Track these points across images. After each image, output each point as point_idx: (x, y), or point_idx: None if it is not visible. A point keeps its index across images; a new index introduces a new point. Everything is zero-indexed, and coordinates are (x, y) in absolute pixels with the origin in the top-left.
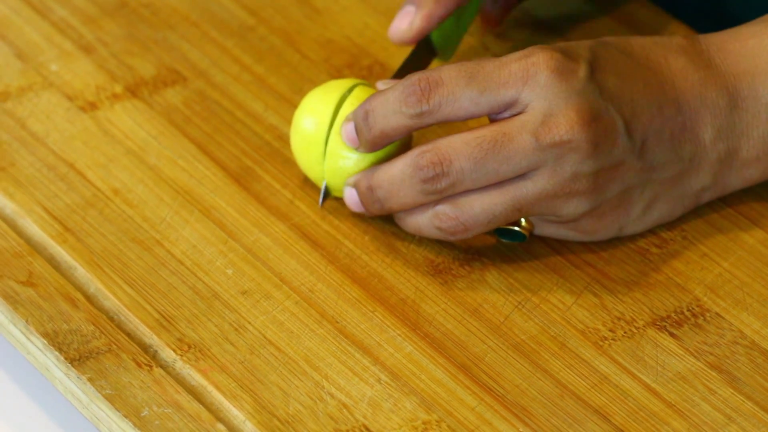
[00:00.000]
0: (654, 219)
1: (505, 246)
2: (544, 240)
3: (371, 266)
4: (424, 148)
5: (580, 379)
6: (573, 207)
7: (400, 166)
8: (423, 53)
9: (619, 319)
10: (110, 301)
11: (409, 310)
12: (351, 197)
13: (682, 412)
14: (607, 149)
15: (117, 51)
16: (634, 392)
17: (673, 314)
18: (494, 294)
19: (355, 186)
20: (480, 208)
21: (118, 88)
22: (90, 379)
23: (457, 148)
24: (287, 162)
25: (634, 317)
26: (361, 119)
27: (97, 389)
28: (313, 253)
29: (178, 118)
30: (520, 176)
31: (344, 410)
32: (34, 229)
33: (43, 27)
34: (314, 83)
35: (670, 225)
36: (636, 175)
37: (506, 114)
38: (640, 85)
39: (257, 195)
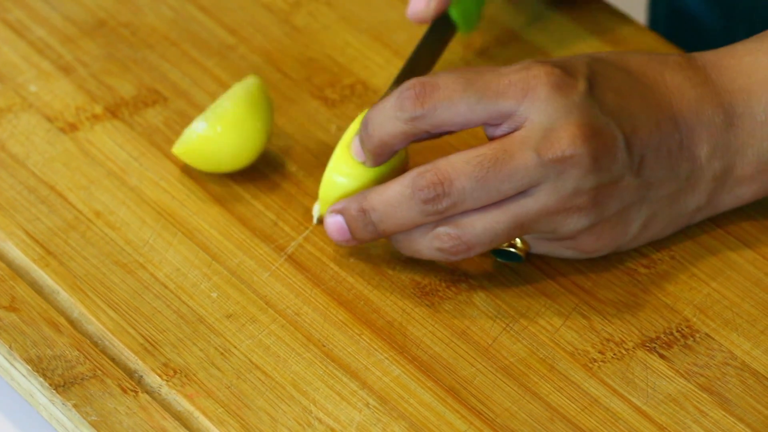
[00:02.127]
0: (648, 237)
1: (493, 267)
2: (532, 261)
3: (357, 289)
4: (422, 168)
5: (570, 402)
6: (573, 224)
7: (398, 187)
8: (440, 31)
9: (608, 340)
10: (94, 325)
11: (396, 333)
12: (335, 224)
13: None
14: (607, 164)
15: (96, 71)
16: (625, 415)
17: (662, 335)
18: (482, 316)
19: (343, 211)
20: (482, 227)
21: (98, 109)
22: (75, 406)
23: (457, 167)
24: (270, 183)
25: (624, 339)
26: (362, 130)
27: (82, 416)
28: (298, 275)
29: (159, 139)
30: (521, 193)
31: None
32: (15, 252)
33: (21, 47)
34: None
35: (658, 245)
36: (634, 193)
37: (504, 127)
38: (638, 101)
39: (240, 217)
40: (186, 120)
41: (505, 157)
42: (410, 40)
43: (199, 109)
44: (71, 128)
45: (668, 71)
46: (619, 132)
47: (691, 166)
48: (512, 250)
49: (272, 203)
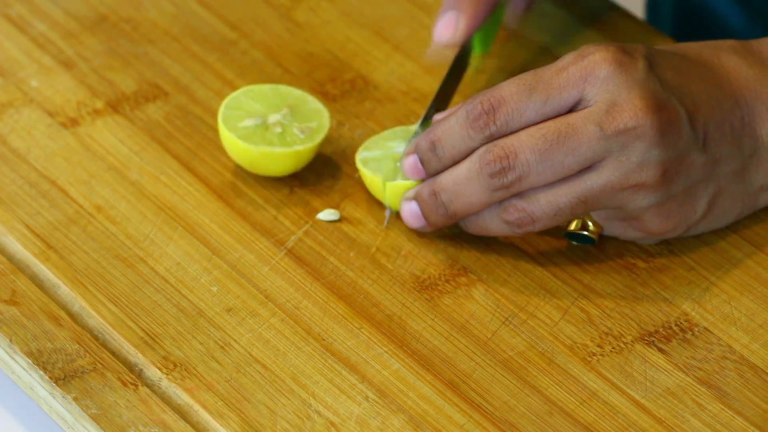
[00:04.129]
0: (717, 217)
1: (492, 261)
2: (530, 254)
3: (357, 282)
4: (489, 145)
5: (568, 396)
6: (639, 200)
7: (466, 164)
8: (462, 56)
9: (607, 334)
10: (94, 319)
11: (395, 327)
12: (410, 210)
13: (672, 428)
14: (672, 139)
15: (97, 66)
16: (624, 408)
17: (661, 329)
18: (481, 310)
19: (416, 197)
20: (546, 200)
21: (99, 104)
22: (75, 399)
23: (522, 141)
24: (270, 178)
25: (622, 332)
26: (427, 150)
27: (82, 409)
28: (298, 269)
29: (160, 134)
30: (586, 168)
31: (332, 428)
32: (16, 246)
33: (23, 42)
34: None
35: None
36: (701, 169)
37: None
38: (697, 80)
39: (241, 211)
40: (187, 115)
41: (568, 131)
42: (411, 35)
43: (200, 104)
44: (72, 123)
45: (724, 54)
46: (682, 108)
47: (754, 144)
48: (585, 233)
49: (272, 197)
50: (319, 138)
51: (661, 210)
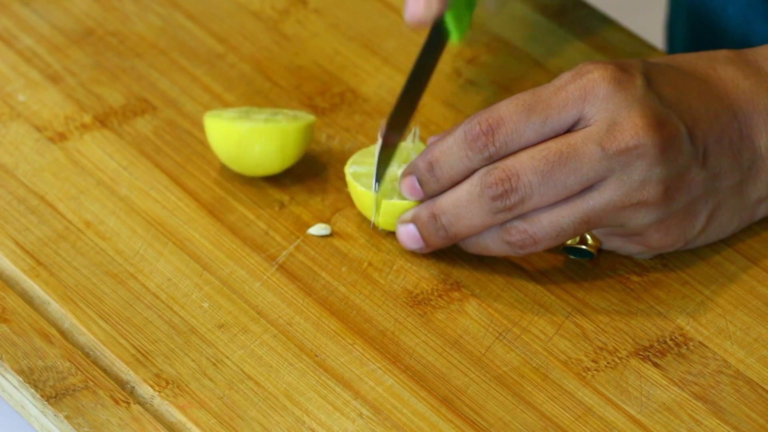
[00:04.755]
0: (715, 231)
1: (484, 276)
2: (523, 269)
3: (349, 298)
4: (489, 167)
5: (564, 411)
6: (641, 218)
7: (466, 187)
8: (436, 40)
9: (601, 349)
10: (85, 336)
11: (388, 343)
12: (408, 233)
13: None
14: (673, 156)
15: (85, 80)
16: (619, 424)
17: (656, 344)
18: (474, 325)
19: (414, 219)
20: (548, 221)
21: (87, 118)
22: (67, 417)
23: (523, 162)
24: (261, 192)
25: (617, 347)
26: (425, 171)
27: (74, 427)
28: (289, 285)
29: (148, 148)
30: (588, 188)
31: None
32: (5, 263)
33: (9, 56)
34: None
35: None
36: (701, 184)
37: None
38: (695, 94)
39: (231, 226)
40: (175, 129)
41: (569, 152)
42: (399, 47)
43: (189, 118)
44: (60, 138)
45: (719, 65)
46: (682, 123)
47: (752, 156)
48: (583, 247)
49: (263, 212)
50: (305, 121)
51: (662, 226)
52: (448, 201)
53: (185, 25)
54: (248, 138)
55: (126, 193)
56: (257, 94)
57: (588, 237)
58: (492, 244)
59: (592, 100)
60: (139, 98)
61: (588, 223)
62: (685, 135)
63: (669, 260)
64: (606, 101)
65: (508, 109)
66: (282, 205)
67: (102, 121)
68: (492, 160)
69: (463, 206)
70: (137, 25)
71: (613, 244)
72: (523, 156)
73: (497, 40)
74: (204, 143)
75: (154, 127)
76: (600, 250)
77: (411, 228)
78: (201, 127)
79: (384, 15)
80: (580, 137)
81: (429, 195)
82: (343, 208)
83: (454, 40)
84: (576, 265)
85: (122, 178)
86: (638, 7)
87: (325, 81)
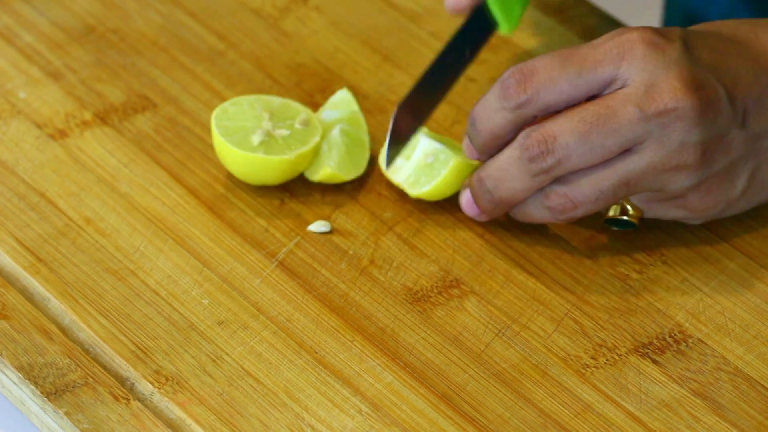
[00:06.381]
0: (758, 192)
1: (484, 272)
2: (523, 266)
3: (349, 295)
4: (529, 129)
5: (563, 408)
6: (681, 181)
7: (508, 150)
8: (476, 29)
9: (600, 346)
10: (85, 332)
11: (388, 339)
12: (465, 198)
13: None
14: (712, 117)
15: (85, 77)
16: (618, 421)
17: (655, 341)
18: (474, 322)
19: (469, 184)
20: (587, 184)
21: (88, 115)
22: (67, 414)
23: (561, 124)
24: (261, 189)
25: (616, 344)
26: (470, 126)
27: (74, 423)
28: (289, 282)
29: (149, 145)
30: (627, 151)
31: None
32: (5, 259)
33: (10, 53)
34: None
35: (650, 250)
36: (741, 146)
37: (607, 92)
38: (734, 56)
39: (231, 223)
40: (176, 126)
41: (607, 113)
42: (400, 44)
43: (189, 115)
44: (61, 135)
45: (760, 29)
46: (720, 85)
47: None
48: (625, 217)
49: (262, 209)
50: (313, 142)
51: (702, 188)
52: (492, 164)
53: (186, 23)
54: (262, 164)
55: (126, 190)
56: (257, 91)
57: (629, 207)
58: (534, 210)
59: (629, 59)
60: (139, 95)
61: (628, 186)
62: (724, 97)
63: (668, 257)
64: (644, 62)
65: (542, 60)
66: (282, 202)
67: (102, 118)
68: (525, 109)
69: (504, 169)
70: (138, 22)
71: (655, 211)
72: (561, 118)
73: (497, 37)
74: (204, 141)
75: (154, 125)
76: (596, 247)
77: (467, 193)
78: (202, 125)
79: (384, 12)
80: (618, 98)
81: (478, 150)
82: (342, 205)
83: (504, 30)
84: (575, 262)
85: (122, 175)
86: (636, 4)
87: (325, 78)
